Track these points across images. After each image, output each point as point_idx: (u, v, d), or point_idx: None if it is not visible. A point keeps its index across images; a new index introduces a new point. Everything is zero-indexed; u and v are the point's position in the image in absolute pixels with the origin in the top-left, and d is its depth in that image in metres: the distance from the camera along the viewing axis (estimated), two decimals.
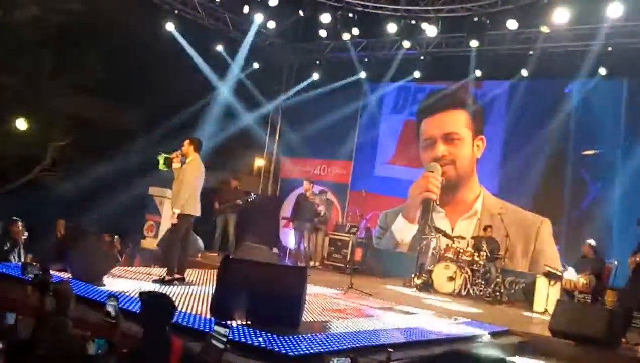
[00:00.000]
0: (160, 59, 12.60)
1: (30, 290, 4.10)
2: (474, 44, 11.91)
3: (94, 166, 12.20)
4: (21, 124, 12.96)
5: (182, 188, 7.49)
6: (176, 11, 12.61)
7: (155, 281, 7.31)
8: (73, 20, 11.36)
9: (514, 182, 12.15)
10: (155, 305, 3.55)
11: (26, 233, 9.12)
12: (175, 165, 7.69)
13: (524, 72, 12.06)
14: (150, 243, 11.19)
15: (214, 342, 3.17)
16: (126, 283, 7.04)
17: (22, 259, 8.51)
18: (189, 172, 7.62)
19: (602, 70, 11.24)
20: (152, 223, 11.41)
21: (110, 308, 3.76)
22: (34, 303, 3.74)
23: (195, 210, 7.68)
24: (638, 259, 8.17)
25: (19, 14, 11.01)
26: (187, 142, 7.76)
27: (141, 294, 3.73)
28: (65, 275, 6.53)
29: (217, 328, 3.23)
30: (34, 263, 4.89)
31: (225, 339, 3.20)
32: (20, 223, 9.25)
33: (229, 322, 5.37)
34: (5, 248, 8.83)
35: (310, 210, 11.66)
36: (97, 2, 11.27)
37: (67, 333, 3.15)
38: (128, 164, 12.10)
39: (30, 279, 4.91)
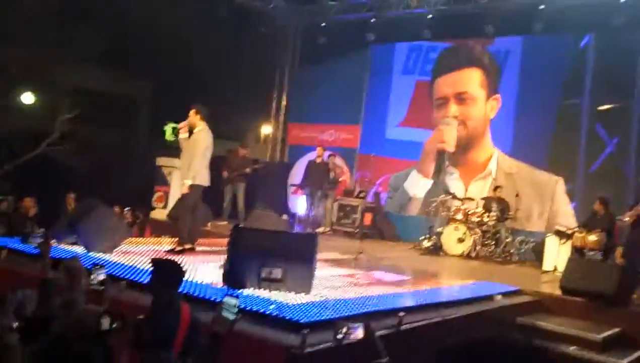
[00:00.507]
0: (163, 27, 12.43)
1: (40, 266, 4.14)
2: None
3: (101, 138, 12.22)
4: (28, 98, 12.96)
5: (194, 159, 7.41)
6: None
7: (166, 251, 7.35)
8: None
9: (528, 141, 11.99)
10: (164, 270, 3.60)
11: (35, 207, 9.22)
12: (183, 135, 7.57)
13: (537, 27, 11.77)
14: (160, 213, 11.26)
15: (224, 313, 3.19)
16: (137, 254, 7.10)
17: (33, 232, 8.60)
18: (199, 142, 7.49)
19: (617, 21, 10.93)
20: (161, 193, 11.46)
21: (97, 276, 3.80)
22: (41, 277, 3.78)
23: (206, 180, 7.62)
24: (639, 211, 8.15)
25: None
26: (192, 111, 7.57)
27: (152, 260, 3.76)
28: (78, 248, 6.59)
29: (227, 299, 3.24)
30: (36, 232, 4.91)
31: (235, 310, 3.22)
32: (30, 198, 9.35)
33: (239, 291, 5.45)
34: (17, 222, 8.95)
35: (321, 176, 11.62)
36: None
37: (79, 309, 3.18)
38: (135, 135, 12.11)
39: (36, 249, 4.94)
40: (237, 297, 3.38)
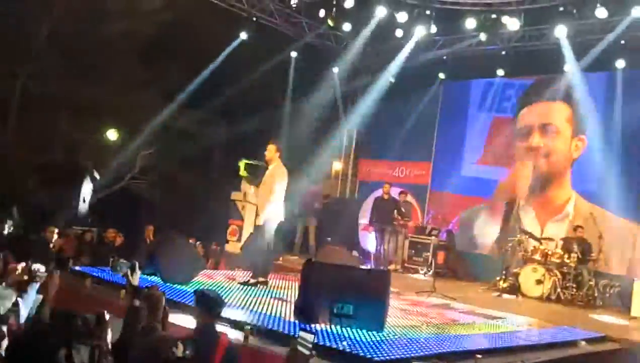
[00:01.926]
0: (241, 68, 12.88)
1: (123, 294, 4.29)
2: (561, 32, 11.25)
3: (180, 174, 12.67)
4: (112, 134, 13.68)
5: (271, 195, 7.44)
6: (254, 18, 12.85)
7: (240, 283, 7.42)
8: (159, 32, 11.82)
9: (613, 188, 11.07)
10: (205, 302, 3.80)
11: (121, 238, 9.62)
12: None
13: (620, 63, 11.30)
14: (234, 246, 11.48)
15: (300, 348, 3.17)
16: (212, 285, 7.23)
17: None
18: (277, 179, 7.52)
19: None
20: (235, 227, 11.70)
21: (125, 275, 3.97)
22: (126, 306, 3.91)
23: (281, 216, 7.70)
24: None
25: (112, 27, 11.59)
26: (272, 147, 7.60)
27: (195, 292, 3.99)
28: (156, 279, 6.79)
29: (302, 334, 3.23)
30: (122, 260, 5.10)
31: (311, 345, 3.20)
32: (114, 230, 9.78)
33: (313, 327, 5.41)
34: (101, 254, 9.34)
35: (388, 213, 11.52)
36: (181, 12, 11.66)
37: (156, 337, 3.26)
38: (211, 171, 12.47)
39: (123, 279, 5.12)
40: (313, 332, 3.37)
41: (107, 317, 2.94)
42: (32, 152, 12.04)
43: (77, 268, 7.52)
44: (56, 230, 8.94)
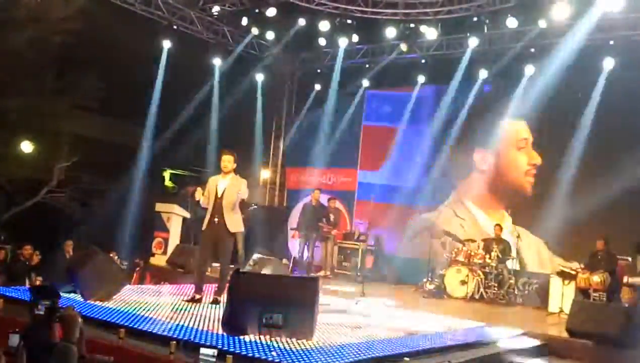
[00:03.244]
0: (160, 75, 12.61)
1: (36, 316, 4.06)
2: (473, 42, 11.83)
3: (99, 185, 12.20)
4: (26, 146, 12.99)
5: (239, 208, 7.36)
6: (175, 27, 12.61)
7: (188, 300, 7.15)
8: (72, 40, 11.37)
9: None
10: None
11: (38, 256, 9.14)
12: (199, 196, 7.31)
13: (529, 69, 11.91)
14: (159, 260, 11.16)
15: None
16: (135, 301, 6.98)
17: (33, 282, 8.51)
18: (245, 191, 7.35)
19: None
20: (160, 239, 11.39)
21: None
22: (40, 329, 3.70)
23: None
24: None
25: (18, 36, 11.03)
26: (231, 158, 7.33)
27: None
28: (76, 296, 6.49)
29: (203, 350, 3.19)
30: (44, 299, 4.79)
31: (214, 360, 3.15)
32: (29, 247, 9.28)
33: (242, 338, 5.33)
34: (17, 271, 8.85)
35: (316, 219, 11.58)
36: (97, 20, 11.29)
37: (72, 360, 3.10)
38: (134, 182, 12.10)
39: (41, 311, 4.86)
40: (213, 347, 3.32)
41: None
42: None
43: None
44: None
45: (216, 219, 7.19)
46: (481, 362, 6.05)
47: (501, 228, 10.92)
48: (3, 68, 11.22)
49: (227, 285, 6.00)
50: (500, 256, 10.44)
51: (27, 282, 8.78)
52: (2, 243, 10.28)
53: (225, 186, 7.25)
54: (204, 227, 7.37)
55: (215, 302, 7.09)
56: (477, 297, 10.22)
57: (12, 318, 5.55)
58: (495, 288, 10.27)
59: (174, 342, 4.79)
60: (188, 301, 7.08)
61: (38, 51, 11.31)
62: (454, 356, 5.83)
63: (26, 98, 11.57)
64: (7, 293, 6.59)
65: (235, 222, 7.27)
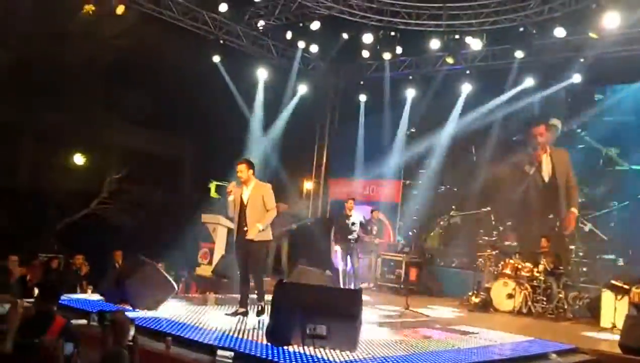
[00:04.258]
0: (209, 89, 12.86)
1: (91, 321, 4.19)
2: (519, 54, 11.66)
3: (148, 197, 12.50)
4: (78, 159, 13.47)
5: (268, 214, 7.12)
6: (221, 41, 12.87)
7: (230, 314, 7.06)
8: (123, 56, 11.74)
9: None
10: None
11: (87, 266, 9.43)
12: (230, 197, 7.21)
13: (577, 78, 11.66)
14: (205, 270, 11.32)
15: None
16: (182, 310, 7.11)
17: (85, 290, 8.78)
18: (271, 196, 7.19)
19: None
20: (206, 250, 11.54)
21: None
22: (94, 334, 3.82)
23: (271, 235, 7.44)
24: None
25: (72, 52, 11.44)
26: (244, 166, 7.16)
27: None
28: (126, 306, 6.65)
29: (220, 352, 3.23)
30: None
31: (230, 361, 3.20)
32: (81, 256, 9.58)
33: (286, 348, 5.36)
34: (69, 281, 9.14)
35: (350, 228, 11.51)
36: (146, 36, 11.62)
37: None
38: (181, 193, 12.33)
39: (92, 306, 5.00)
40: (230, 349, 3.34)
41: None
42: None
43: None
44: (16, 259, 8.64)
45: (245, 229, 7.11)
46: None
47: (548, 240, 10.64)
48: (57, 83, 11.68)
49: (270, 294, 6.02)
50: (548, 269, 10.16)
51: (78, 290, 9.06)
52: (56, 252, 10.63)
53: (249, 194, 7.16)
54: (234, 238, 7.35)
55: (261, 311, 7.02)
56: (524, 311, 9.96)
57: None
58: (544, 302, 10.00)
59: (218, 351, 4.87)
60: (231, 314, 7.02)
61: (91, 66, 11.72)
62: None
63: (78, 112, 12.00)
64: (61, 301, 6.80)
65: (262, 232, 7.09)
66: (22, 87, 11.38)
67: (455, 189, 13.58)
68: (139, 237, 11.31)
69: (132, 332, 3.52)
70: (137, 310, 6.63)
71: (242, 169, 7.18)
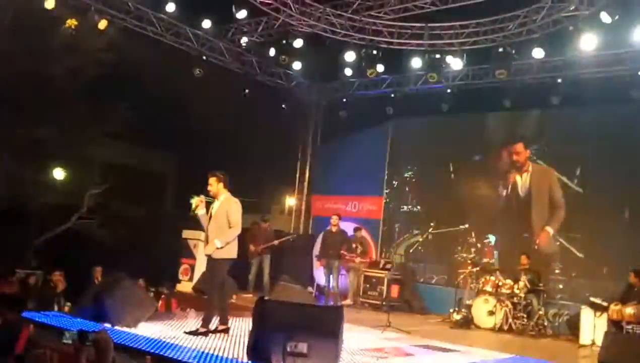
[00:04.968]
0: (190, 105, 12.85)
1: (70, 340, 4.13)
2: (501, 74, 11.84)
3: (129, 212, 12.39)
4: (58, 173, 13.32)
5: (230, 231, 6.85)
6: (204, 57, 12.90)
7: (188, 332, 6.84)
8: (105, 71, 11.71)
9: None
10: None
11: (64, 283, 9.29)
12: (200, 211, 7.01)
13: (554, 100, 11.85)
14: (186, 286, 11.24)
15: None
16: (162, 328, 7.04)
17: (62, 307, 8.64)
18: (234, 211, 6.91)
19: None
20: (186, 266, 11.47)
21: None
22: (72, 354, 3.76)
23: (235, 253, 7.05)
24: None
25: (53, 66, 11.38)
26: (213, 179, 7.00)
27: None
28: (104, 323, 6.56)
29: None
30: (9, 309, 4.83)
31: None
32: (59, 273, 9.45)
33: None
34: (46, 297, 9.00)
35: (336, 245, 11.53)
36: (128, 51, 11.62)
37: None
38: (162, 208, 12.26)
39: (69, 325, 4.92)
40: None
41: None
42: None
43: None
44: None
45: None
46: None
47: (528, 258, 10.74)
48: (37, 97, 11.58)
49: (253, 312, 5.99)
50: (528, 286, 10.25)
51: (55, 307, 8.92)
52: (34, 269, 10.47)
53: (215, 209, 6.98)
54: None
55: (222, 331, 6.81)
56: (505, 327, 10.02)
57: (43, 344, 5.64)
58: (525, 319, 10.06)
59: None
60: (191, 333, 6.79)
61: (72, 81, 11.66)
62: None
63: (59, 126, 11.90)
64: (37, 319, 6.71)
65: (221, 249, 6.82)
66: (1, 101, 11.28)
67: (430, 207, 13.63)
68: (119, 253, 11.21)
69: (112, 351, 3.48)
70: (116, 327, 6.55)
71: (211, 182, 7.03)
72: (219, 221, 6.95)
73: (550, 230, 11.80)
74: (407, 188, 14.08)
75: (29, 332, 3.67)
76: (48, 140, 12.14)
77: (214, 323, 7.02)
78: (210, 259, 7.02)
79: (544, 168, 12.21)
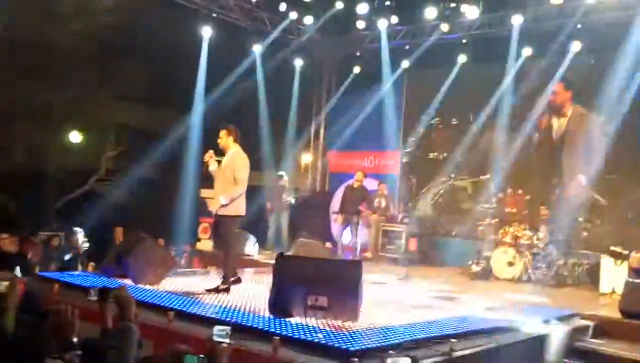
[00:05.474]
0: (207, 64, 12.72)
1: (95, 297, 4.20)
2: (517, 20, 11.46)
3: (146, 173, 12.48)
4: (75, 136, 13.43)
5: (234, 187, 6.63)
6: (214, 15, 12.69)
7: (209, 290, 6.81)
8: (115, 32, 11.61)
9: None
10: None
11: (87, 243, 9.44)
12: (212, 166, 6.85)
13: (576, 46, 11.49)
14: (205, 245, 11.38)
15: (217, 339, 3.20)
16: (183, 285, 7.14)
17: (84, 267, 8.80)
18: (241, 168, 6.70)
19: None
20: (206, 224, 11.56)
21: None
22: (93, 310, 3.83)
23: (243, 210, 6.85)
24: None
25: (63, 29, 11.31)
26: (223, 132, 6.80)
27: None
28: (127, 281, 6.68)
29: (218, 327, 3.26)
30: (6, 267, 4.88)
31: (228, 337, 3.22)
32: (80, 233, 9.59)
33: (288, 320, 5.40)
34: (68, 258, 9.16)
35: (357, 201, 11.51)
36: (138, 11, 11.48)
37: (133, 339, 3.20)
38: (179, 169, 12.32)
39: (93, 284, 4.99)
40: (227, 323, 3.38)
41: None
42: None
43: (44, 274, 7.34)
44: (7, 236, 8.53)
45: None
46: (531, 343, 5.95)
47: (548, 208, 10.64)
48: (49, 62, 11.56)
49: (273, 268, 6.03)
50: (548, 236, 10.18)
51: (79, 267, 9.09)
52: (56, 230, 10.64)
53: (224, 163, 6.80)
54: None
55: (216, 290, 6.66)
56: (524, 278, 10.02)
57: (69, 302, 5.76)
58: (544, 270, 10.05)
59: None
60: (211, 290, 6.71)
61: (82, 44, 11.59)
62: (502, 338, 5.75)
63: (72, 90, 11.91)
64: (62, 279, 6.85)
65: (227, 206, 6.63)
66: (14, 68, 11.28)
67: (450, 156, 13.45)
68: (139, 213, 11.33)
69: (134, 307, 3.53)
70: (139, 285, 6.66)
71: (221, 135, 6.84)
72: (225, 176, 6.76)
73: (582, 179, 11.28)
74: (432, 135, 13.88)
75: (23, 287, 3.70)
76: (62, 105, 12.19)
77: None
78: (217, 216, 6.88)
79: (583, 112, 11.69)
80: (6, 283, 3.73)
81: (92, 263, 9.16)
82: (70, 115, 12.57)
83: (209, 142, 7.67)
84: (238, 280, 7.00)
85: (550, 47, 11.67)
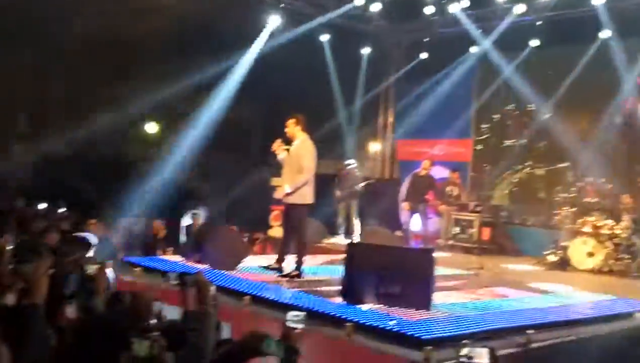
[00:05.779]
0: (274, 54, 12.86)
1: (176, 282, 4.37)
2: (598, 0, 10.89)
3: (221, 162, 12.82)
4: (151, 127, 13.97)
5: (300, 176, 6.72)
6: (282, 5, 12.75)
7: (262, 267, 7.21)
8: (184, 25, 11.92)
9: None
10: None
11: (164, 229, 9.83)
12: (281, 155, 6.96)
13: None
14: (277, 231, 11.56)
15: (291, 325, 3.25)
16: (258, 271, 7.32)
17: (165, 252, 9.17)
18: (307, 156, 6.79)
19: None
20: (277, 212, 11.75)
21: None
22: (173, 293, 3.99)
23: (311, 198, 6.94)
24: None
25: (135, 26, 11.78)
26: (291, 121, 6.89)
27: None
28: (205, 267, 6.92)
29: (291, 312, 3.30)
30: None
31: (302, 322, 3.26)
32: (159, 220, 10.00)
33: (359, 307, 5.44)
34: (149, 242, 9.56)
35: (424, 189, 11.35)
36: (205, 4, 11.75)
37: (212, 321, 3.31)
38: (251, 157, 12.56)
39: (173, 268, 5.18)
40: (301, 309, 3.42)
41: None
42: (77, 148, 12.39)
43: (128, 259, 7.71)
44: (95, 221, 8.98)
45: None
46: (613, 336, 5.71)
47: (631, 197, 10.13)
48: (128, 56, 12.07)
49: (345, 255, 6.07)
50: (633, 226, 9.69)
51: (159, 253, 9.49)
52: (138, 217, 11.11)
53: (291, 151, 6.89)
54: None
55: (289, 276, 6.83)
56: (605, 269, 9.60)
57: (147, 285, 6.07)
58: (628, 261, 9.59)
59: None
60: (265, 268, 7.10)
61: (155, 38, 12.01)
62: (581, 330, 5.55)
63: (149, 82, 12.36)
64: (144, 263, 7.19)
65: (294, 193, 6.71)
66: (96, 62, 11.83)
67: (526, 143, 13.01)
68: (215, 201, 11.67)
69: (213, 292, 3.65)
70: (216, 270, 6.88)
71: (288, 124, 6.94)
72: (292, 165, 6.87)
73: None
74: (507, 122, 13.46)
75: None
76: (140, 96, 12.68)
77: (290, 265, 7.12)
78: (286, 204, 7.03)
79: None
80: (95, 266, 3.95)
81: (170, 249, 9.54)
82: (146, 107, 13.05)
83: (278, 130, 7.78)
84: (298, 275, 7.01)
85: (635, 27, 11.04)
